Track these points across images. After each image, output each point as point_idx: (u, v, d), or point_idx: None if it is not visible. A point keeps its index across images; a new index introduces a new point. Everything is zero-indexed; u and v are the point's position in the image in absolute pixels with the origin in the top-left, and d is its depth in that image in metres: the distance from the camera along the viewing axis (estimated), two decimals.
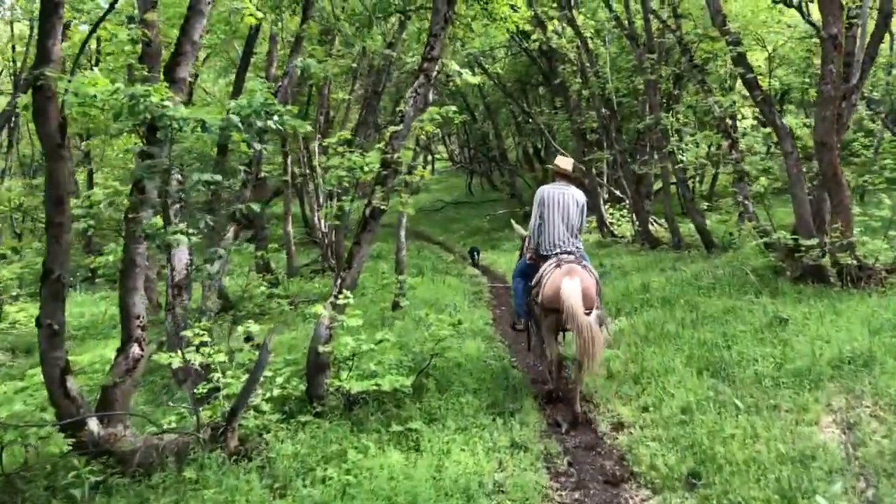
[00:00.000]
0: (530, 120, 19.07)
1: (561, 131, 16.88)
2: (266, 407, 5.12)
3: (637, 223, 13.83)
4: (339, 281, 5.85)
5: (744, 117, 15.17)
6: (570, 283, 5.47)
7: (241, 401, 4.70)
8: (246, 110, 3.97)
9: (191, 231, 4.06)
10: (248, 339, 8.50)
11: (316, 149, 13.08)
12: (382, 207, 5.90)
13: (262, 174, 11.22)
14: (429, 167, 39.83)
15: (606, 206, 15.58)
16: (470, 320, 8.56)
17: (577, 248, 6.16)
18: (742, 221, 12.11)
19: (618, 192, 16.60)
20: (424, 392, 5.67)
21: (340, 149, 6.01)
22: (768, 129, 13.02)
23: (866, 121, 12.48)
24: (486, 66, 18.80)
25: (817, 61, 13.32)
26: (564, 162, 6.53)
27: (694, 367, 6.16)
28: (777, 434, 4.66)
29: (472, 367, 6.63)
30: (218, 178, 3.80)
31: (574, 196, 6.26)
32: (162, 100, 4.29)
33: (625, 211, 15.54)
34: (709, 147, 17.40)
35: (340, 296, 5.69)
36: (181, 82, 4.99)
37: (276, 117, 4.17)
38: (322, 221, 13.74)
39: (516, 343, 8.22)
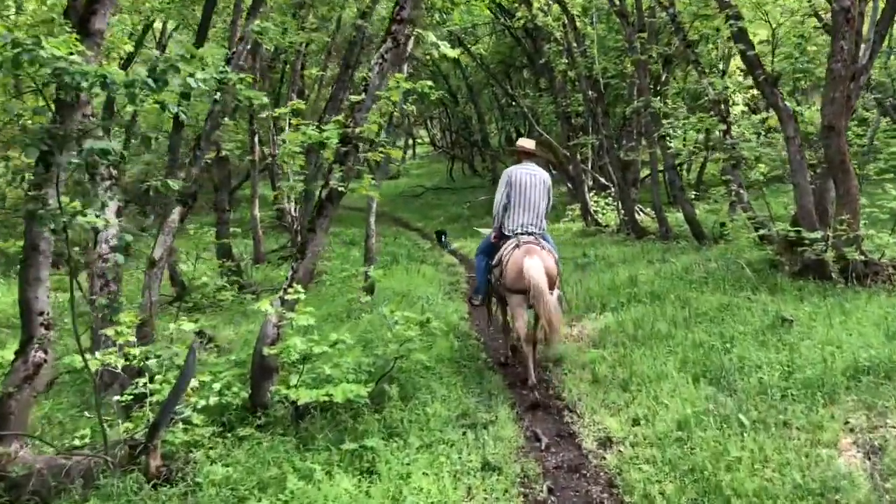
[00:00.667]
0: (513, 103, 18.32)
1: (545, 115, 16.17)
2: (198, 419, 4.39)
3: (623, 212, 13.18)
4: (290, 273, 5.11)
5: (735, 103, 14.55)
6: (531, 262, 5.62)
7: (164, 414, 3.96)
8: (162, 65, 3.22)
9: (95, 212, 3.32)
10: (201, 333, 7.75)
11: (287, 127, 12.29)
12: (341, 189, 5.16)
13: (224, 152, 10.41)
14: (409, 152, 39.09)
15: (591, 194, 14.92)
16: (444, 314, 7.86)
17: (540, 229, 6.26)
18: (734, 211, 11.51)
19: (603, 180, 15.94)
20: (386, 401, 4.95)
21: (294, 121, 5.24)
22: (761, 115, 12.47)
23: (860, 109, 11.90)
24: (469, 45, 18.01)
25: (811, 47, 12.75)
26: (527, 142, 6.68)
27: (689, 372, 5.51)
28: (791, 458, 4.01)
29: (442, 371, 5.94)
30: (113, 146, 3.05)
31: (541, 178, 6.34)
32: (70, 53, 3.53)
33: (610, 199, 14.88)
34: (697, 133, 16.82)
35: (290, 290, 4.96)
36: (97, 35, 4.21)
37: (203, 77, 3.41)
38: (292, 204, 12.97)
39: (494, 340, 7.53)
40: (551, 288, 5.66)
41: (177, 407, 4.15)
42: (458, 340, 7.07)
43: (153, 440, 3.96)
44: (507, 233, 6.23)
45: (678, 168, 11.63)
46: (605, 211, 14.65)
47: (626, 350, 6.38)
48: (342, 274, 10.51)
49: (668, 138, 11.34)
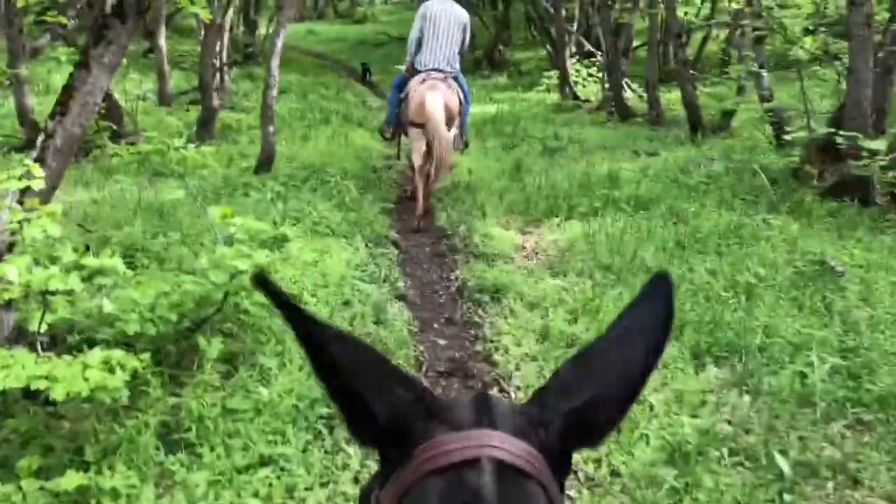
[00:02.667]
0: None
1: None
2: None
3: (608, 85, 10.92)
4: (40, 142, 2.96)
5: None
6: (432, 96, 5.68)
7: None
8: None
9: None
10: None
11: None
12: None
13: None
14: None
15: (573, 62, 12.51)
16: (358, 210, 5.80)
17: (452, 67, 6.22)
18: (742, 96, 9.32)
19: (588, 45, 13.49)
20: (194, 389, 2.96)
21: None
22: None
23: None
24: None
25: None
26: None
27: (687, 343, 3.65)
28: None
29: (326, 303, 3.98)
30: None
31: (456, 15, 6.25)
32: None
33: (595, 69, 12.52)
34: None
35: (39, 171, 2.83)
36: None
37: None
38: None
39: (418, 264, 5.55)
40: (450, 124, 5.78)
41: None
42: (366, 254, 5.06)
43: None
44: (419, 68, 6.13)
45: (683, 39, 9.34)
46: (586, 83, 12.34)
47: (595, 287, 4.48)
48: (248, 132, 8.27)
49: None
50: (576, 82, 12.29)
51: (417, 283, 4.92)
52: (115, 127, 7.44)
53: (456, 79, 6.19)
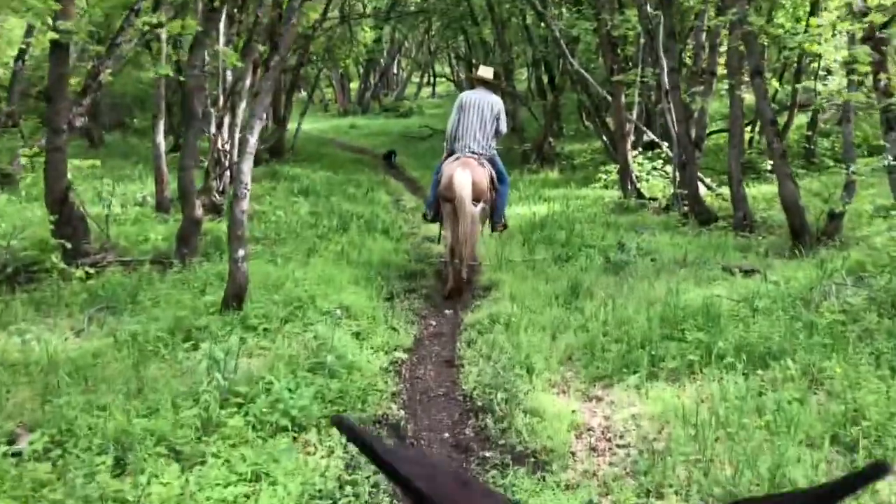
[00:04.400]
0: (542, 24, 14.09)
1: (585, 43, 11.86)
2: None
3: (679, 182, 9.18)
4: None
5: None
6: (461, 173, 5.99)
7: None
8: None
9: None
10: None
11: None
12: None
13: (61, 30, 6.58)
14: (428, 89, 34.79)
15: (634, 154, 10.86)
16: (344, 377, 4.07)
17: (485, 150, 6.45)
18: (849, 197, 7.42)
19: (650, 134, 11.88)
20: None
21: None
22: None
23: None
24: None
25: None
26: (486, 71, 6.99)
27: None
28: None
29: None
30: None
31: (490, 102, 6.51)
32: None
33: (660, 162, 10.83)
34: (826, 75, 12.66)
35: None
36: None
37: None
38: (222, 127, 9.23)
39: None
40: (477, 200, 6.02)
41: None
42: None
43: None
44: (456, 152, 6.40)
45: (779, 126, 7.61)
46: (649, 177, 10.63)
47: None
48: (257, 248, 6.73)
49: (767, 77, 7.27)
50: (638, 177, 10.61)
51: None
52: (68, 246, 5.99)
53: (491, 160, 6.50)
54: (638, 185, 10.43)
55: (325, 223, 8.32)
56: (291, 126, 15.96)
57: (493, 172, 6.41)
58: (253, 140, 4.38)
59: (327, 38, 16.50)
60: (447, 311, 5.78)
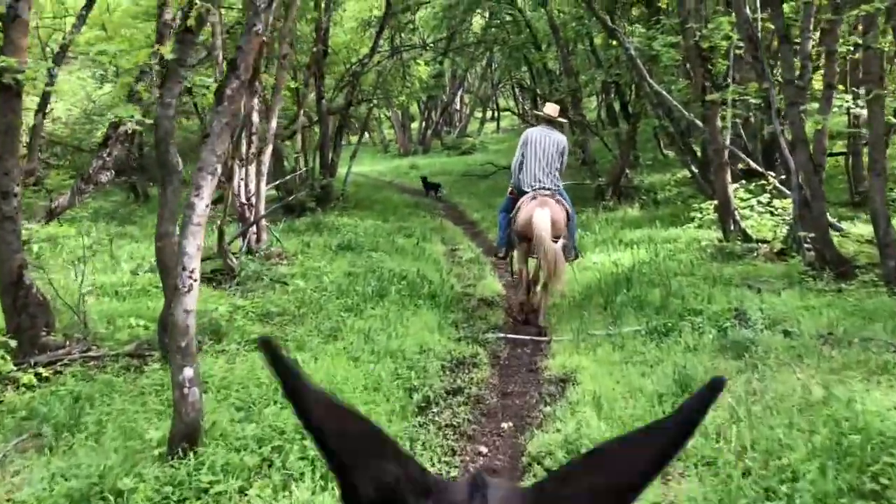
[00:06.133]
0: (614, 42, 12.36)
1: (663, 57, 10.11)
2: None
3: (801, 221, 7.27)
4: None
5: None
6: (540, 212, 6.01)
7: None
8: None
9: None
10: None
11: None
12: None
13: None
14: (492, 124, 33.39)
15: (736, 187, 8.98)
16: None
17: (554, 185, 6.50)
18: None
19: (751, 163, 9.98)
20: None
21: None
22: None
23: None
24: None
25: None
26: (551, 108, 6.92)
27: None
28: None
29: None
30: None
31: (555, 139, 6.56)
32: None
33: (765, 196, 8.90)
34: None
35: None
36: None
37: None
38: (242, 172, 8.03)
39: None
40: (556, 237, 6.01)
41: None
42: None
43: None
44: (524, 188, 6.43)
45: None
46: (758, 217, 8.71)
47: None
48: (244, 333, 5.30)
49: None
50: (742, 215, 8.72)
51: None
52: (11, 344, 4.65)
53: (561, 194, 6.54)
54: (742, 225, 8.55)
55: (358, 289, 6.81)
56: (342, 170, 14.75)
57: (568, 208, 6.44)
58: (200, 206, 2.93)
59: (377, 74, 15.26)
60: (504, 426, 4.13)
